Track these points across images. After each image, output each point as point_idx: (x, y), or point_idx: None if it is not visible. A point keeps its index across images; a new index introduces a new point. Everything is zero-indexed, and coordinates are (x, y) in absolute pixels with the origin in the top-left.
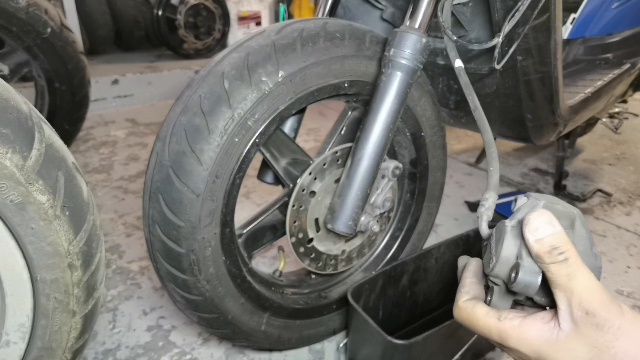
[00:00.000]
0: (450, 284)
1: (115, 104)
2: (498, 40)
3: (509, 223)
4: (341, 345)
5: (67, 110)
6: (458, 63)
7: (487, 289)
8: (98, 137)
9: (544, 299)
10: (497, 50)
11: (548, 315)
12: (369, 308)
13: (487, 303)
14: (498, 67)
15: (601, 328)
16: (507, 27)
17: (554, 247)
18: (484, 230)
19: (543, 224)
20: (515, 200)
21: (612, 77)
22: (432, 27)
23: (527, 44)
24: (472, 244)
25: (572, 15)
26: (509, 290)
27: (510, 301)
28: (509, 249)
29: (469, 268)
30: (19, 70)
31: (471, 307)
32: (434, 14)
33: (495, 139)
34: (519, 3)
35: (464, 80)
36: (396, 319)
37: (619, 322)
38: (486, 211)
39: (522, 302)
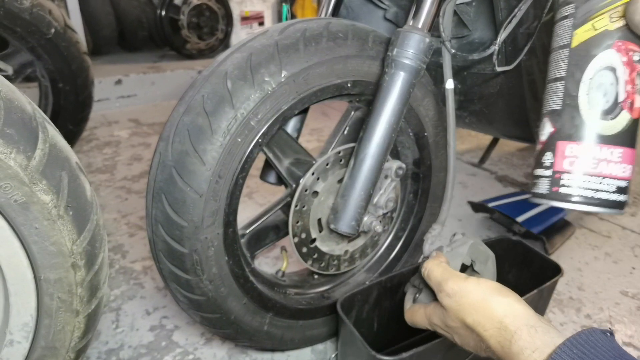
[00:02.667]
0: None
1: (119, 104)
2: (495, 48)
3: (446, 249)
4: (332, 356)
5: (70, 111)
6: (450, 84)
7: (419, 289)
8: (101, 137)
9: None
10: (494, 57)
11: (438, 303)
12: (362, 319)
13: (416, 299)
14: (499, 69)
15: (448, 294)
16: (503, 35)
17: (426, 269)
18: (426, 250)
19: (430, 264)
20: (454, 234)
21: None
22: (435, 27)
23: (531, 43)
24: None
25: None
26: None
27: (431, 297)
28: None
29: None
30: (23, 71)
31: (412, 309)
32: (437, 14)
33: (497, 139)
34: (516, 10)
35: (450, 103)
36: (394, 332)
37: (457, 287)
38: (431, 237)
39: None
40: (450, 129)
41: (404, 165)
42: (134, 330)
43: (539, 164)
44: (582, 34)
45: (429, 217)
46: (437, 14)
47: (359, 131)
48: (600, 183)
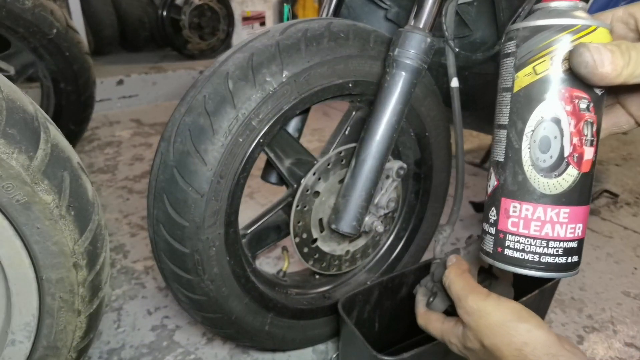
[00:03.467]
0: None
1: (120, 105)
2: (498, 47)
3: (462, 252)
4: (334, 356)
5: (72, 111)
6: (454, 83)
7: (432, 293)
8: (103, 138)
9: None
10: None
11: (458, 320)
12: (363, 319)
13: (429, 303)
14: None
15: (468, 313)
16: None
17: (446, 270)
18: (438, 252)
19: (450, 261)
20: (470, 237)
21: None
22: (437, 27)
23: None
24: None
25: None
26: (448, 298)
27: (446, 305)
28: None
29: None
30: (25, 71)
31: (427, 316)
32: (439, 14)
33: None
34: (520, 10)
35: (457, 103)
36: (395, 332)
37: (477, 306)
38: (442, 239)
39: (450, 310)
40: (457, 127)
41: (405, 166)
42: (135, 330)
43: (485, 218)
44: (523, 78)
45: (431, 217)
46: (438, 14)
47: (360, 131)
48: (546, 247)
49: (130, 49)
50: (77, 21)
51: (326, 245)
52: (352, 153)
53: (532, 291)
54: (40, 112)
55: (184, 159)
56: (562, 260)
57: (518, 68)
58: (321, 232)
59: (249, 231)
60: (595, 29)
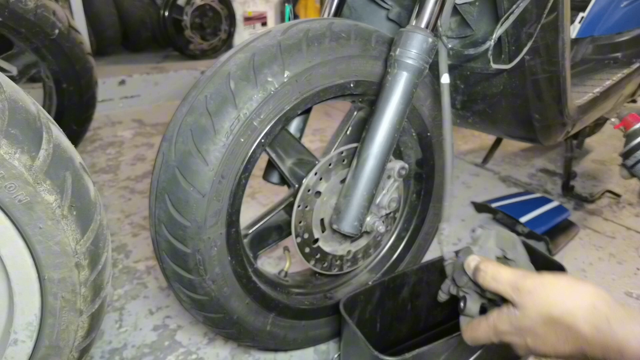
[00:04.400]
0: (457, 299)
1: (122, 105)
2: (490, 43)
3: (474, 249)
4: (335, 356)
5: (74, 111)
6: (445, 79)
7: (461, 297)
8: (105, 138)
9: (496, 297)
10: (489, 53)
11: (505, 306)
12: (365, 320)
13: (463, 308)
14: (494, 66)
15: (529, 291)
16: (499, 31)
17: (477, 268)
18: (446, 253)
19: (473, 261)
20: (473, 230)
21: (621, 77)
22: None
23: (535, 43)
24: None
25: (581, 14)
26: (479, 295)
27: (479, 303)
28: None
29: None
30: (28, 72)
31: (471, 326)
32: (440, 14)
33: (501, 139)
34: (514, 7)
35: (446, 99)
36: (397, 332)
37: (538, 281)
38: (446, 238)
39: (486, 304)
40: (446, 124)
41: (406, 166)
42: (137, 330)
43: None
44: None
45: (432, 217)
46: (440, 14)
47: (361, 131)
48: None
49: (132, 50)
50: (79, 22)
51: (328, 245)
52: (354, 153)
53: None
54: (43, 112)
55: (185, 159)
56: None
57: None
58: (323, 232)
59: (250, 231)
60: None
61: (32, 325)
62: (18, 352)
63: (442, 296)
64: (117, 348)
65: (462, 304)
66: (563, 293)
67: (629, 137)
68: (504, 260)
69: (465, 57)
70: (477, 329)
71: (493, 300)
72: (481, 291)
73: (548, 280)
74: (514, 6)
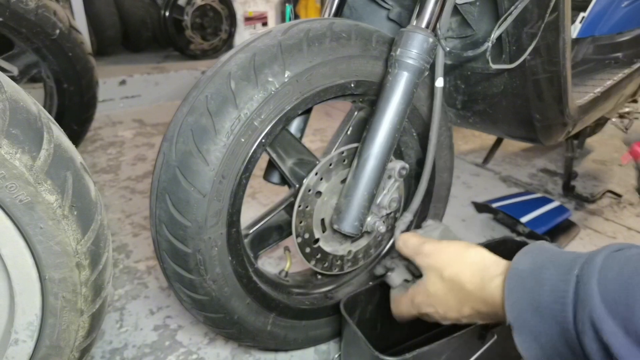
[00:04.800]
0: None
1: (123, 105)
2: (488, 44)
3: (419, 231)
4: (336, 356)
5: (75, 111)
6: (439, 82)
7: (389, 269)
8: (106, 138)
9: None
10: (487, 53)
11: (420, 280)
12: (365, 320)
13: (388, 276)
14: (493, 67)
15: (427, 255)
16: (497, 32)
17: (397, 238)
18: (397, 235)
19: (405, 235)
20: (426, 221)
21: (622, 77)
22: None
23: (535, 43)
24: None
25: (582, 14)
26: (405, 269)
27: (402, 277)
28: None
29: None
30: (28, 72)
31: (395, 301)
32: (441, 14)
33: (501, 139)
34: (512, 7)
35: (438, 102)
36: (397, 333)
37: (434, 246)
38: (402, 224)
39: (410, 280)
40: (434, 127)
41: (407, 166)
42: (137, 330)
43: None
44: None
45: (433, 217)
46: (440, 14)
47: (362, 131)
48: None
49: (133, 50)
50: (80, 22)
51: (328, 246)
52: (354, 153)
53: None
54: (44, 112)
55: (186, 159)
56: None
57: None
58: (323, 232)
59: (251, 231)
60: None
61: (32, 325)
62: (19, 352)
63: (378, 269)
64: (117, 348)
65: (388, 273)
66: (452, 257)
67: None
68: None
69: (466, 57)
70: (400, 303)
71: (416, 276)
72: (407, 265)
73: (443, 245)
74: (512, 7)
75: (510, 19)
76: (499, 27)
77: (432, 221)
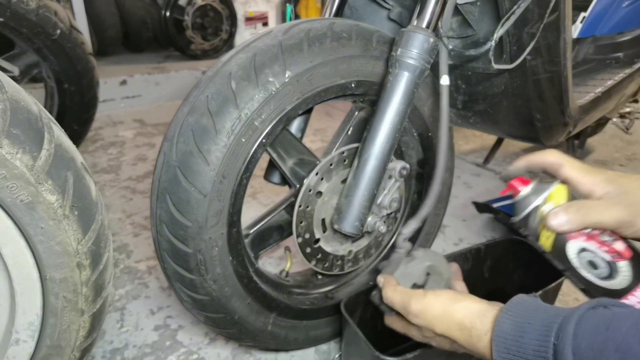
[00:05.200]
0: None
1: (124, 105)
2: (491, 44)
3: (401, 264)
4: (336, 356)
5: (76, 111)
6: (445, 80)
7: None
8: (106, 138)
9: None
10: (490, 53)
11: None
12: (366, 320)
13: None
14: (495, 67)
15: (415, 315)
16: (500, 32)
17: (386, 299)
18: (400, 242)
19: (387, 293)
20: (416, 250)
21: (623, 77)
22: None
23: (536, 43)
24: (483, 258)
25: (582, 14)
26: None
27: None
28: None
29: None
30: (29, 72)
31: (391, 319)
32: (442, 14)
33: (502, 139)
34: (514, 7)
35: (445, 101)
36: (398, 333)
37: (420, 305)
38: (407, 232)
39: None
40: (443, 126)
41: (408, 166)
42: (138, 330)
43: None
44: (545, 241)
45: (433, 218)
46: (441, 14)
47: (362, 131)
48: None
49: (134, 50)
50: (81, 22)
51: (329, 246)
52: (355, 153)
53: (535, 292)
54: (44, 112)
55: (187, 159)
56: None
57: (537, 238)
58: (324, 232)
59: (251, 231)
60: (554, 191)
61: (33, 325)
62: (19, 351)
63: (375, 298)
64: (118, 348)
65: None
66: (439, 314)
67: (519, 204)
68: (417, 287)
69: (467, 57)
70: (394, 323)
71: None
72: None
73: (429, 302)
74: (515, 7)
75: (512, 19)
76: (501, 27)
77: (420, 251)
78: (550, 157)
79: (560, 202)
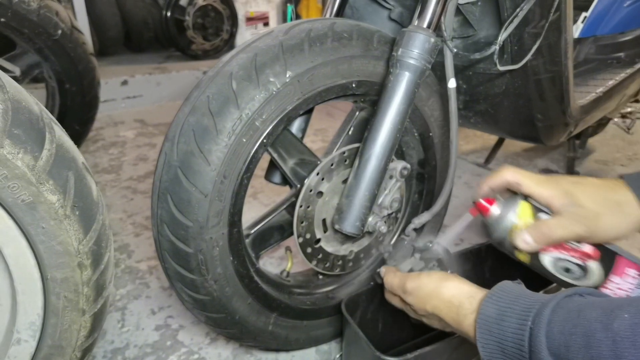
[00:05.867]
0: None
1: (125, 105)
2: (495, 47)
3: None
4: (337, 356)
5: (77, 111)
6: (452, 83)
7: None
8: (107, 138)
9: None
10: (495, 56)
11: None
12: (366, 320)
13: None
14: (501, 69)
15: (410, 293)
16: (504, 34)
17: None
18: (408, 230)
19: (388, 279)
20: (431, 243)
21: (624, 77)
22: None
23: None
24: (484, 258)
25: (584, 14)
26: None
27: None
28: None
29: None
30: (31, 72)
31: (390, 295)
32: (442, 14)
33: (503, 139)
34: (518, 9)
35: (453, 104)
36: (399, 333)
37: (414, 284)
38: (418, 223)
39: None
40: (452, 128)
41: (408, 166)
42: (139, 330)
43: None
44: (522, 257)
45: (435, 218)
46: (442, 14)
47: (363, 131)
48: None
49: (135, 50)
50: (82, 22)
51: (329, 246)
52: (356, 153)
53: (536, 292)
54: (46, 112)
55: (187, 159)
56: None
57: (514, 254)
58: (324, 232)
59: (252, 231)
60: (519, 211)
61: (34, 325)
62: (21, 351)
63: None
64: (119, 348)
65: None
66: (431, 292)
67: (491, 226)
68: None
69: (472, 60)
70: (392, 299)
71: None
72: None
73: (422, 281)
74: (518, 9)
75: (515, 22)
76: (504, 30)
77: (436, 245)
78: (508, 176)
79: (527, 221)
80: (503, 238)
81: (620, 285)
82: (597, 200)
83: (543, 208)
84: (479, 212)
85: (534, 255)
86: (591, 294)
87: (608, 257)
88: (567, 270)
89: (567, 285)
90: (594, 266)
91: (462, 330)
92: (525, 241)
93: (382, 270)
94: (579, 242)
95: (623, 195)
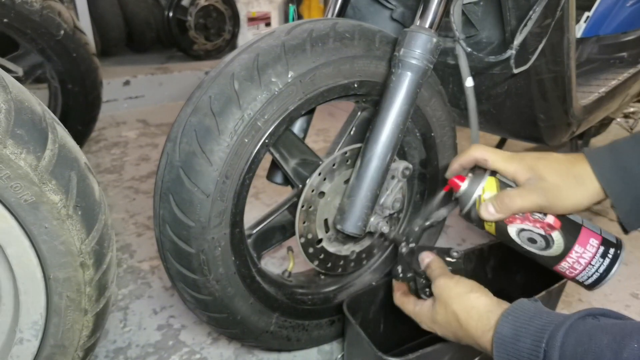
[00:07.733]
0: None
1: (127, 105)
2: (512, 52)
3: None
4: (339, 356)
5: (79, 111)
6: (469, 82)
7: (413, 279)
8: (110, 138)
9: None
10: (512, 61)
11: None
12: (368, 320)
13: (414, 288)
14: (516, 71)
15: (439, 287)
16: (520, 38)
17: (428, 265)
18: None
19: (427, 257)
20: (456, 252)
21: (627, 77)
22: (443, 27)
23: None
24: (486, 259)
25: (586, 14)
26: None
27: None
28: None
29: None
30: (33, 72)
31: (404, 299)
32: (444, 14)
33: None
34: (530, 12)
35: (472, 102)
36: (400, 333)
37: (445, 282)
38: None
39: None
40: (473, 127)
41: (410, 166)
42: (141, 329)
43: None
44: (489, 228)
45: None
46: (444, 14)
47: (365, 132)
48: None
49: (137, 50)
50: (85, 22)
51: (331, 246)
52: (358, 153)
53: (538, 292)
54: (48, 112)
55: (189, 160)
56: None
57: (482, 227)
58: (326, 232)
59: (254, 231)
60: (485, 184)
61: (37, 324)
62: (23, 351)
63: (398, 270)
64: (121, 347)
65: (412, 284)
66: (458, 296)
67: (460, 199)
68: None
69: (487, 63)
70: (405, 304)
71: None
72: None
73: (453, 282)
74: (531, 11)
75: (530, 25)
76: (520, 33)
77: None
78: (476, 153)
79: (492, 193)
80: (470, 210)
81: (582, 254)
82: (558, 174)
83: (509, 182)
84: (450, 188)
85: (500, 226)
86: (604, 315)
87: (572, 228)
88: (532, 240)
89: (533, 255)
90: (557, 237)
91: (479, 345)
92: (488, 211)
93: (428, 254)
94: (544, 214)
95: (583, 169)
